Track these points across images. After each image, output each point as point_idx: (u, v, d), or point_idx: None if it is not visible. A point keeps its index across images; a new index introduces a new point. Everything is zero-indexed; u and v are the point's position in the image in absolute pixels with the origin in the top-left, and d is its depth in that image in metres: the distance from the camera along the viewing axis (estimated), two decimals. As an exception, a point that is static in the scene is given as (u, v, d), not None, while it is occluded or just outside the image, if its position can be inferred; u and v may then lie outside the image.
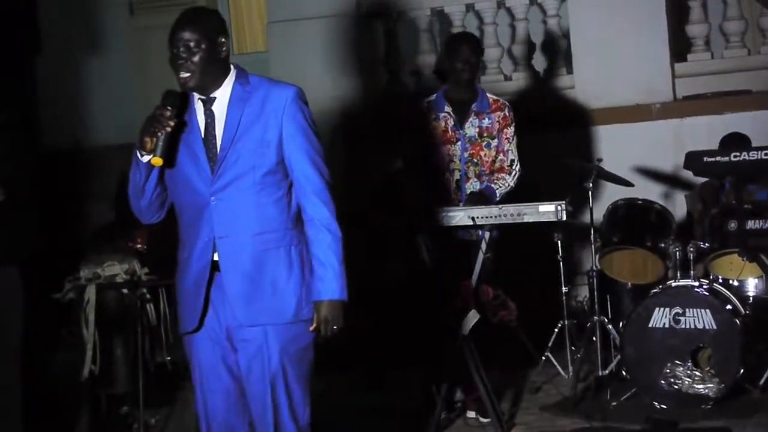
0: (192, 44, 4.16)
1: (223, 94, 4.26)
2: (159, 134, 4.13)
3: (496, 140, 6.49)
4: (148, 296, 6.06)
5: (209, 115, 4.25)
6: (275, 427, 4.21)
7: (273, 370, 4.20)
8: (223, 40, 4.23)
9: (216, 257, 4.21)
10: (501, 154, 6.51)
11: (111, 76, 10.56)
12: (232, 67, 4.29)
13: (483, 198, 6.27)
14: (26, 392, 5.66)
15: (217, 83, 4.24)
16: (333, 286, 4.20)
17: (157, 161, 4.15)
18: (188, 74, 4.18)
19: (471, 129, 6.49)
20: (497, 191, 6.39)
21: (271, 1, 9.83)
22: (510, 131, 6.52)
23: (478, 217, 5.85)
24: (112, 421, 6.22)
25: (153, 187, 4.28)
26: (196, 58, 4.17)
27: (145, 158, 4.19)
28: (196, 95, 4.27)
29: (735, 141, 7.42)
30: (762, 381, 6.40)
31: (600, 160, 7.11)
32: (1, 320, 5.51)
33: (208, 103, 4.26)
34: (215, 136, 4.23)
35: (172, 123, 4.15)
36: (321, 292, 4.21)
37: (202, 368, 4.30)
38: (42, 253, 5.81)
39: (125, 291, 6.04)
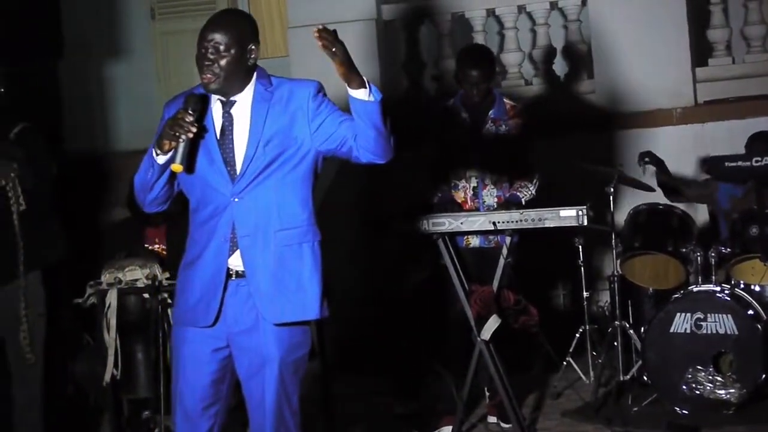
0: (222, 47, 4.15)
1: (244, 97, 4.24)
2: (180, 139, 4.12)
3: (513, 148, 6.48)
4: (169, 301, 6.07)
5: (227, 118, 4.24)
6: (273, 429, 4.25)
7: (272, 380, 4.21)
8: (253, 47, 4.21)
9: (229, 262, 4.21)
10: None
11: (133, 81, 10.60)
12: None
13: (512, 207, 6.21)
14: (49, 398, 5.68)
15: (240, 87, 4.23)
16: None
17: (177, 168, 4.13)
18: (212, 77, 4.16)
19: (488, 136, 6.47)
20: (522, 200, 6.37)
21: (292, 6, 9.83)
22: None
23: (499, 222, 5.85)
24: (134, 426, 6.23)
25: (163, 185, 4.27)
26: (223, 62, 4.16)
27: (161, 159, 4.17)
28: (216, 96, 4.26)
29: (762, 138, 7.36)
30: (784, 386, 6.38)
31: (621, 165, 7.09)
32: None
33: (227, 105, 4.25)
34: (232, 139, 4.22)
35: (194, 129, 4.13)
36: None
37: (187, 362, 4.29)
38: (65, 260, 5.82)
39: (146, 296, 6.05)
